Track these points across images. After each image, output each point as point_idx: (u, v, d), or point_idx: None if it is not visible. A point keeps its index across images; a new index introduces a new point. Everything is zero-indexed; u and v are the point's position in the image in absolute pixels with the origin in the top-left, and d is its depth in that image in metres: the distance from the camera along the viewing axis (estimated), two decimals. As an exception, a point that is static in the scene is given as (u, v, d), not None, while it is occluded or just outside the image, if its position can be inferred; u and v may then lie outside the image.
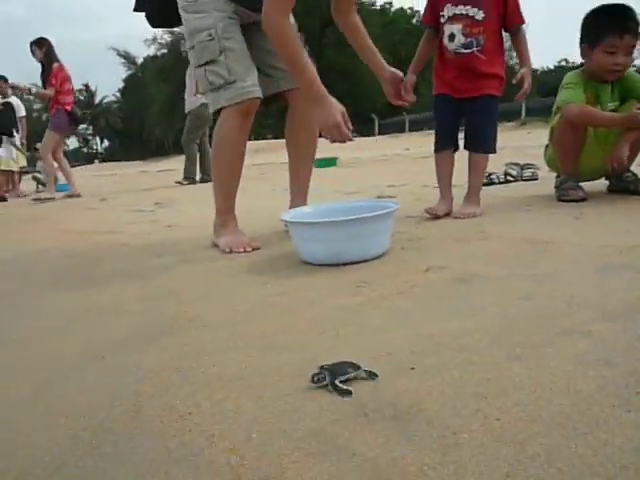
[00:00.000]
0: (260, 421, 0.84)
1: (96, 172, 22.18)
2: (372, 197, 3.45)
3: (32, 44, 6.41)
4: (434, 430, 0.77)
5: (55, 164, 6.87)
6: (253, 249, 2.15)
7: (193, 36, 2.13)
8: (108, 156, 56.34)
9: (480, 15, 2.36)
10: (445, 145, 2.53)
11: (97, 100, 58.04)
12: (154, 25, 2.48)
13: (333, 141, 1.90)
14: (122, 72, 53.88)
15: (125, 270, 2.08)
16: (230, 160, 2.21)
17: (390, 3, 44.57)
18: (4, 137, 8.12)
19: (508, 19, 2.42)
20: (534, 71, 2.42)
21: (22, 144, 8.73)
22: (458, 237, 2.00)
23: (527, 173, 3.62)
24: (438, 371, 0.94)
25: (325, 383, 0.92)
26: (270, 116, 45.23)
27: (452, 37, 2.42)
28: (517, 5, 2.42)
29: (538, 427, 0.74)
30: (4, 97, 8.25)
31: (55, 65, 6.38)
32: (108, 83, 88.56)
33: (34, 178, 9.83)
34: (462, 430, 0.76)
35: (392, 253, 1.85)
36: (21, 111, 8.69)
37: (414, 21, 41.17)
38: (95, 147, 62.50)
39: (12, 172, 8.55)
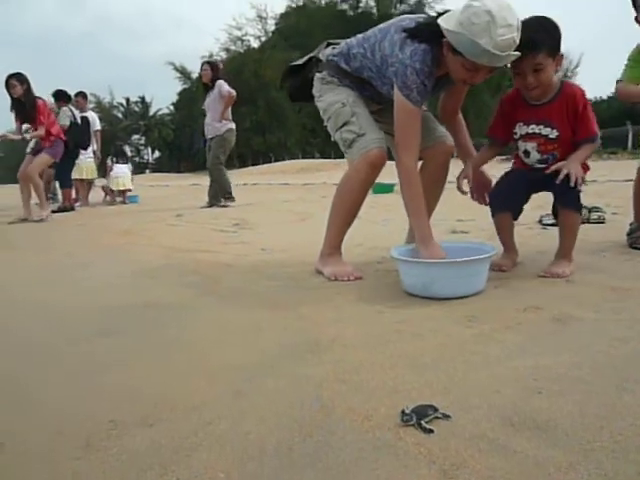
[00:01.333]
0: (431, 424, 1.12)
1: (150, 182, 23.04)
2: (446, 231, 3.71)
3: (11, 78, 6.20)
4: (572, 439, 1.03)
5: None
6: (356, 278, 2.45)
7: (329, 108, 2.52)
8: (158, 167, 58.07)
9: (554, 134, 2.31)
10: (501, 209, 2.49)
11: (152, 112, 59.98)
12: (293, 100, 2.88)
13: None
14: (177, 86, 55.70)
15: (245, 290, 2.39)
16: (350, 206, 2.52)
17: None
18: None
19: (577, 133, 2.30)
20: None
21: (96, 157, 9.34)
22: (544, 279, 2.26)
23: (594, 216, 3.83)
24: (561, 396, 1.21)
25: (412, 423, 1.12)
26: (317, 134, 46.07)
27: (527, 154, 2.42)
28: (588, 120, 2.29)
29: (654, 442, 1.00)
30: (82, 111, 8.86)
31: (40, 102, 6.39)
32: (163, 96, 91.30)
33: (103, 188, 10.45)
34: (595, 440, 1.02)
35: (488, 291, 2.11)
36: (96, 125, 9.30)
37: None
38: (146, 157, 64.40)
39: (87, 182, 9.18)
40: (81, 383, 1.47)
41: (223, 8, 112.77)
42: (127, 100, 61.32)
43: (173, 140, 58.22)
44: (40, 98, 6.46)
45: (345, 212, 2.55)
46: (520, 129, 2.39)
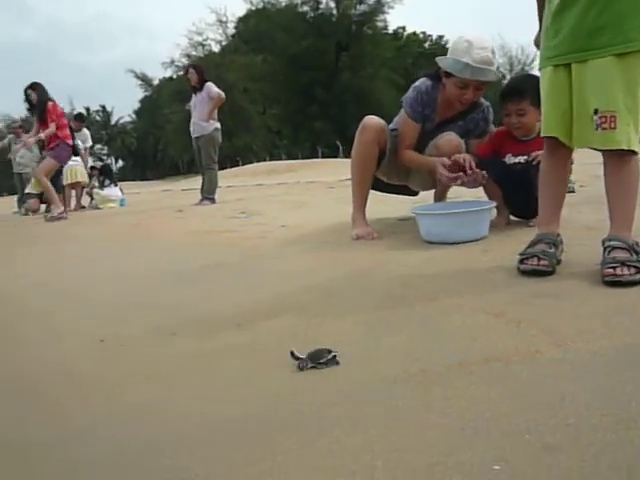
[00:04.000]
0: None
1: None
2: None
3: (27, 89, 6.91)
4: (571, 305, 1.55)
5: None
6: (374, 238, 2.94)
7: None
8: (121, 176, 57.63)
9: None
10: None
11: (113, 121, 59.64)
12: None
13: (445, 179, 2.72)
14: (138, 93, 55.59)
15: (287, 251, 2.88)
16: (358, 164, 3.08)
17: (403, 28, 46.24)
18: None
19: None
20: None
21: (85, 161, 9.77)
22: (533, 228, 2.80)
23: (565, 187, 4.38)
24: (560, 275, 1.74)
25: (309, 367, 1.22)
26: (284, 137, 46.48)
27: None
28: None
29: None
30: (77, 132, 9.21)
31: (50, 103, 6.87)
32: (124, 104, 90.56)
33: (88, 193, 10.70)
34: (590, 300, 1.54)
35: (491, 237, 2.65)
36: (88, 141, 9.82)
37: (426, 45, 42.48)
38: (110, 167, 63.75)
39: (78, 185, 9.49)
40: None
41: (180, 13, 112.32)
42: (87, 110, 60.65)
43: (136, 148, 57.99)
44: (51, 100, 6.93)
45: (356, 171, 3.08)
46: (509, 159, 2.86)
